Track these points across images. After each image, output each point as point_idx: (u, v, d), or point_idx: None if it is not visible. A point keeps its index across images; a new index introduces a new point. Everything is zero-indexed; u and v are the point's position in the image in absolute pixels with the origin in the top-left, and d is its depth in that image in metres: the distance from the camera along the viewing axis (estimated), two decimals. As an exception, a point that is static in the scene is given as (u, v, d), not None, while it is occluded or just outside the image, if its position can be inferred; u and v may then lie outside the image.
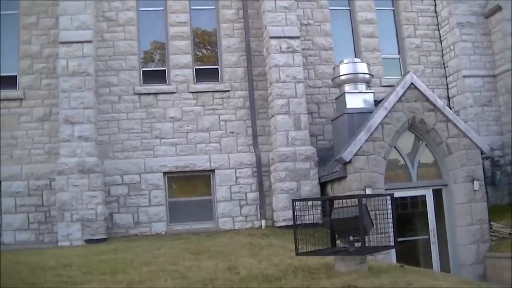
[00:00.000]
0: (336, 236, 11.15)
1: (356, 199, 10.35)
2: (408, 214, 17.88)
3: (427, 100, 17.40)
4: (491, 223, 17.37)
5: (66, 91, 18.01)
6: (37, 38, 19.39)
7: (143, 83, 19.53)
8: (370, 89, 19.10)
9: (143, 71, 19.74)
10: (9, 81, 19.19)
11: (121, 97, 19.14)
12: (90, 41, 18.43)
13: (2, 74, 19.24)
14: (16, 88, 19.13)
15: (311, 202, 11.51)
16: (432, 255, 17.30)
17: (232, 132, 19.36)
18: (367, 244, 10.36)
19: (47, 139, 18.78)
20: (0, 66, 19.26)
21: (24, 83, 19.08)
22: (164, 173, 18.80)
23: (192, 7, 20.24)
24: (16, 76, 19.25)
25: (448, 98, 21.24)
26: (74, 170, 17.52)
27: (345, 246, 10.60)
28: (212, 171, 19.02)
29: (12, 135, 18.70)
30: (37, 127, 18.85)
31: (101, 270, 11.93)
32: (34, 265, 13.00)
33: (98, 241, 17.16)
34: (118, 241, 17.09)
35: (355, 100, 18.38)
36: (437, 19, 21.88)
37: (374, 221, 10.82)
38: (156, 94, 19.30)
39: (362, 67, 18.90)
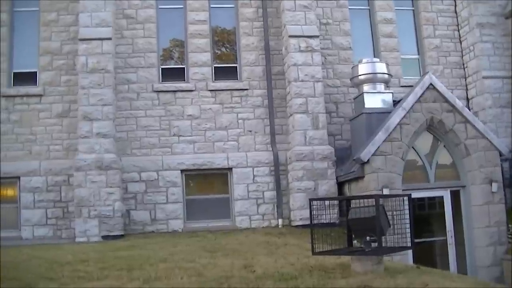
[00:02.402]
0: (353, 236, 11.10)
1: (374, 199, 10.32)
2: (425, 215, 17.84)
3: (446, 100, 17.31)
4: (509, 225, 17.26)
5: (85, 88, 18.13)
6: (57, 35, 19.52)
7: (162, 81, 19.59)
8: (389, 89, 19.05)
9: (162, 68, 19.79)
10: (29, 78, 19.37)
11: (140, 94, 19.21)
12: (109, 38, 18.53)
13: (22, 71, 19.44)
14: (36, 84, 19.28)
15: (328, 201, 11.49)
16: (449, 256, 17.20)
17: (250, 131, 19.37)
18: (383, 245, 10.33)
19: (66, 135, 18.90)
20: (13, 63, 19.49)
21: (44, 80, 19.22)
22: (182, 171, 18.84)
23: (211, 6, 20.27)
24: (36, 72, 19.41)
25: (467, 99, 21.11)
26: (92, 166, 17.62)
27: (362, 246, 10.55)
28: (230, 169, 19.03)
29: (32, 131, 18.84)
30: (56, 123, 18.98)
31: (118, 266, 11.98)
32: (51, 260, 13.07)
33: (115, 237, 17.26)
34: (135, 238, 17.16)
35: (374, 100, 18.33)
36: (457, 19, 21.72)
37: (391, 222, 10.78)
38: (174, 91, 19.35)
39: (381, 67, 18.84)
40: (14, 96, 19.00)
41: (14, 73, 19.44)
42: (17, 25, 19.78)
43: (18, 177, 18.51)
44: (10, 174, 18.47)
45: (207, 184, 19.39)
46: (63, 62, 19.33)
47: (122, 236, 17.51)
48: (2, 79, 19.09)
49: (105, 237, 17.24)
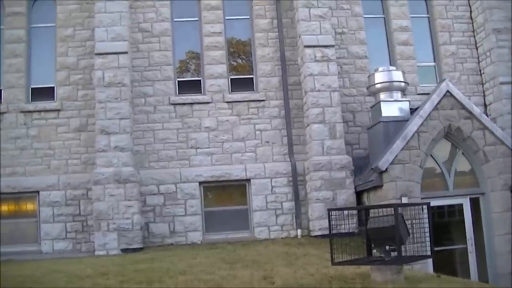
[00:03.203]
0: (372, 245, 11.09)
1: (392, 208, 10.28)
2: (445, 223, 17.69)
3: (463, 107, 17.23)
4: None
5: (102, 102, 18.22)
6: (73, 50, 19.66)
7: (179, 93, 19.66)
8: (406, 97, 18.98)
9: (178, 81, 19.86)
10: (47, 93, 19.52)
11: (157, 107, 19.27)
12: (125, 52, 18.63)
13: (40, 86, 19.62)
14: (54, 99, 19.40)
15: (347, 211, 11.47)
16: (470, 264, 17.05)
17: (268, 142, 19.36)
18: (403, 254, 10.29)
19: (84, 149, 18.99)
20: (31, 78, 19.69)
21: (61, 94, 19.35)
22: (200, 183, 18.85)
23: (226, 17, 20.34)
24: (53, 87, 19.55)
25: (485, 105, 20.97)
26: (110, 180, 17.68)
27: (381, 255, 10.53)
28: (248, 180, 19.04)
29: (50, 146, 18.96)
30: (74, 138, 19.07)
31: (137, 279, 12.02)
32: (71, 274, 13.14)
33: (134, 250, 17.29)
34: (154, 251, 17.17)
35: (391, 109, 18.26)
36: (473, 25, 21.59)
37: (410, 230, 10.75)
38: (191, 104, 19.40)
39: (397, 75, 18.76)
40: (32, 112, 19.14)
41: (32, 88, 19.60)
42: (34, 41, 19.96)
43: (37, 192, 18.64)
44: (29, 189, 18.62)
45: (226, 196, 19.39)
46: (80, 76, 19.45)
47: (141, 249, 17.52)
48: (20, 95, 19.23)
49: (124, 250, 17.26)
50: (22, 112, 19.12)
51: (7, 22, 19.74)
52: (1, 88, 19.39)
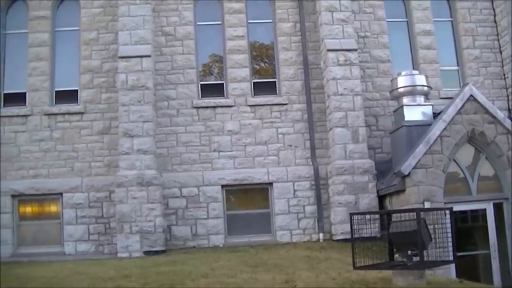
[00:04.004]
0: (394, 250, 11.07)
1: (415, 213, 10.25)
2: (467, 228, 17.59)
3: (487, 112, 17.13)
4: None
5: (126, 105, 18.33)
6: (97, 53, 19.79)
7: (202, 97, 19.73)
8: (429, 102, 18.84)
9: (201, 84, 19.93)
10: (71, 96, 19.68)
11: (180, 111, 19.34)
12: (149, 56, 18.72)
13: (64, 89, 19.78)
14: (77, 102, 19.55)
15: (369, 215, 11.46)
16: (493, 270, 16.90)
17: (290, 145, 19.35)
18: (425, 259, 10.29)
19: (107, 152, 19.10)
20: (55, 81, 19.87)
21: (85, 97, 19.48)
22: (222, 186, 18.89)
23: (249, 21, 20.38)
24: (77, 90, 19.71)
25: (509, 110, 20.80)
26: (133, 182, 17.77)
27: (403, 260, 10.52)
28: (270, 184, 19.03)
29: (73, 148, 19.12)
30: (97, 140, 19.20)
31: (160, 281, 12.07)
32: (94, 276, 13.23)
33: (156, 253, 17.35)
34: (176, 253, 17.22)
35: (414, 113, 18.18)
36: (497, 29, 21.43)
37: (432, 235, 10.72)
38: (214, 107, 19.45)
39: (420, 79, 18.68)
40: (56, 114, 19.30)
41: (55, 91, 19.77)
42: (58, 45, 20.14)
43: (61, 194, 18.81)
44: (53, 191, 18.81)
45: (248, 199, 19.41)
46: (104, 80, 19.58)
47: (163, 251, 17.59)
48: (45, 98, 19.40)
49: (147, 253, 17.34)
50: (46, 114, 19.29)
51: (32, 26, 19.94)
52: (26, 91, 19.58)
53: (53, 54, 19.95)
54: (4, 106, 19.50)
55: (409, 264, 10.29)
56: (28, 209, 19.08)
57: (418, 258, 10.10)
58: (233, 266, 14.08)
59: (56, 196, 18.89)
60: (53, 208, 19.09)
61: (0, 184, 18.58)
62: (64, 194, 18.74)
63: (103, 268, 14.60)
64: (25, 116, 19.23)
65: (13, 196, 18.74)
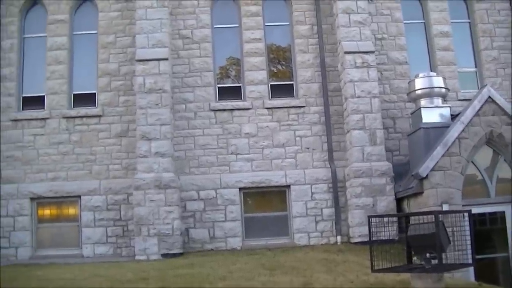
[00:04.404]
0: (413, 252, 11.05)
1: (433, 216, 10.23)
2: (486, 231, 17.46)
3: (505, 113, 17.00)
4: None
5: (143, 108, 18.39)
6: (115, 57, 19.91)
7: (219, 99, 19.76)
8: (446, 103, 18.75)
9: (218, 87, 19.96)
10: (89, 99, 19.79)
11: (197, 114, 19.38)
12: (166, 59, 18.79)
13: (82, 92, 19.92)
14: (95, 105, 19.65)
15: (387, 218, 11.44)
16: (512, 273, 16.88)
17: (308, 148, 19.32)
18: (444, 262, 10.25)
19: (125, 155, 19.20)
20: (73, 85, 20.06)
21: (103, 100, 19.59)
22: (240, 189, 18.90)
23: (266, 24, 20.40)
24: (95, 93, 19.81)
25: (528, 112, 20.72)
26: (151, 185, 17.81)
27: (422, 263, 10.50)
28: (288, 186, 19.01)
29: (91, 151, 19.23)
30: (115, 143, 19.30)
31: (177, 284, 12.13)
32: (112, 278, 13.30)
33: (174, 255, 17.38)
34: (194, 256, 17.24)
35: (431, 115, 18.08)
36: (515, 30, 21.39)
37: (451, 238, 10.68)
38: (231, 110, 19.47)
39: (438, 81, 18.58)
40: (74, 117, 19.42)
41: (74, 94, 19.91)
42: (76, 48, 20.28)
43: (79, 196, 18.94)
44: (71, 193, 18.96)
45: (265, 202, 19.40)
46: (121, 83, 19.67)
47: (181, 254, 17.62)
48: (63, 101, 19.54)
49: (165, 255, 17.37)
50: (64, 117, 19.42)
51: (50, 29, 20.09)
52: (44, 94, 19.72)
53: (71, 57, 20.09)
54: (23, 109, 19.72)
55: (428, 267, 10.27)
56: (47, 212, 19.22)
57: (436, 261, 10.07)
58: (251, 268, 14.10)
59: (74, 198, 19.02)
60: (71, 210, 19.22)
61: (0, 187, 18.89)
62: (82, 197, 18.86)
63: (121, 270, 14.67)
64: (44, 119, 19.38)
65: (32, 198, 18.91)
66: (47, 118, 19.38)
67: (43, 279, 13.75)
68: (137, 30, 19.19)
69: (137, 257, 17.48)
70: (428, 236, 10.14)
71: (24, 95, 19.88)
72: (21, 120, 19.40)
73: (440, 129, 17.44)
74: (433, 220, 10.09)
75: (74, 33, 20.34)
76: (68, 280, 13.42)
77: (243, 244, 18.59)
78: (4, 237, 18.59)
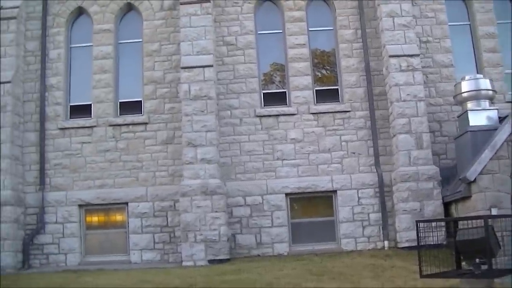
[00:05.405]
0: (461, 258, 10.92)
1: (482, 220, 10.10)
2: (537, 235, 17.22)
3: (555, 115, 16.78)
4: None
5: (189, 115, 18.52)
6: (159, 64, 20.09)
7: (264, 105, 19.81)
8: (494, 106, 18.48)
9: (263, 93, 20.01)
10: (135, 106, 20.02)
11: (243, 120, 19.46)
12: (211, 66, 18.91)
13: (128, 100, 20.18)
14: (141, 113, 19.85)
15: (434, 222, 11.34)
16: None
17: (354, 153, 19.24)
18: (494, 267, 10.10)
19: (171, 162, 19.34)
20: (119, 93, 20.38)
21: (149, 108, 19.78)
22: (286, 194, 18.91)
23: (310, 29, 20.38)
24: (140, 101, 20.01)
25: None
26: (197, 191, 17.91)
27: (471, 268, 10.37)
28: (334, 191, 18.97)
29: (138, 158, 19.44)
30: (161, 150, 19.46)
31: (224, 290, 12.17)
32: (159, 284, 13.45)
33: (221, 261, 17.43)
34: (241, 262, 17.28)
35: (478, 118, 17.85)
36: None
37: (501, 243, 10.54)
38: (277, 116, 19.49)
39: (485, 83, 18.33)
40: (120, 125, 19.67)
41: (120, 102, 20.17)
42: (121, 57, 20.57)
43: (126, 203, 19.18)
44: (118, 200, 19.23)
45: (312, 207, 19.37)
46: (166, 90, 19.84)
47: (228, 260, 17.66)
48: (109, 109, 19.79)
49: (211, 261, 17.44)
50: (111, 125, 19.68)
51: (96, 39, 20.41)
52: (91, 102, 20.02)
53: (116, 66, 20.38)
54: (70, 118, 20.05)
55: (477, 273, 10.14)
56: (95, 218, 19.51)
57: (486, 267, 9.93)
58: (298, 274, 14.11)
59: (121, 205, 19.27)
60: (118, 217, 19.49)
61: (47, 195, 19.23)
62: (129, 204, 19.09)
63: (168, 276, 14.79)
64: (91, 127, 19.69)
65: (80, 205, 19.26)
66: (94, 126, 19.66)
67: (91, 285, 13.93)
68: (181, 38, 19.36)
69: (184, 263, 17.59)
70: (477, 241, 10.02)
71: (71, 104, 20.24)
72: (68, 128, 19.73)
73: (488, 132, 17.19)
74: (483, 224, 9.95)
75: (119, 42, 20.64)
76: (116, 286, 13.56)
77: (290, 250, 18.58)
78: (54, 243, 18.93)
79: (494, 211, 15.72)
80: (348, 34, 20.15)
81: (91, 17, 20.60)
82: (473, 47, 20.93)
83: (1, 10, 19.91)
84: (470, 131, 17.63)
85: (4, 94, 19.16)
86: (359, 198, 18.82)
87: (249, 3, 20.37)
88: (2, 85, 19.22)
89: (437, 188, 18.09)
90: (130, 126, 19.66)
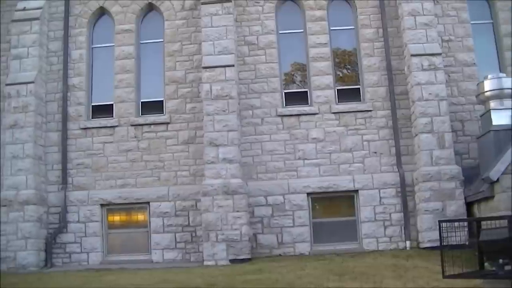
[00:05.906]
0: (484, 258, 10.84)
1: (506, 220, 10.03)
2: (561, 236, 17.06)
3: None
4: None
5: (210, 115, 18.55)
6: (181, 64, 20.14)
7: (285, 105, 19.78)
8: (517, 105, 18.42)
9: (285, 93, 19.99)
10: (156, 106, 20.11)
11: (264, 119, 19.46)
12: (232, 65, 18.93)
13: (149, 100, 20.30)
14: (163, 113, 19.94)
15: (457, 223, 11.27)
16: None
17: (375, 152, 19.16)
18: (517, 268, 10.02)
19: (192, 161, 19.39)
20: (140, 93, 20.48)
21: (170, 108, 19.84)
22: (308, 194, 18.89)
23: (331, 28, 20.31)
24: (162, 101, 20.11)
25: None
26: (219, 191, 17.94)
27: (494, 269, 10.29)
28: (356, 191, 18.91)
29: (159, 158, 19.53)
30: (183, 150, 19.52)
31: (245, 289, 12.18)
32: (181, 284, 13.49)
33: (242, 261, 17.44)
34: (262, 261, 17.25)
35: (501, 117, 17.67)
36: None
37: (525, 244, 10.46)
38: (298, 115, 19.46)
39: (508, 82, 18.11)
40: (142, 125, 19.76)
41: (141, 102, 20.25)
42: (143, 57, 20.67)
43: (148, 203, 19.28)
44: (140, 200, 19.34)
45: (333, 207, 19.35)
46: (188, 90, 19.89)
47: (249, 259, 17.67)
48: (131, 109, 19.90)
49: (233, 261, 17.45)
50: (132, 125, 19.78)
51: (118, 39, 20.53)
52: (113, 102, 20.13)
53: (138, 66, 20.46)
54: (92, 118, 20.18)
55: (501, 273, 10.05)
56: (117, 218, 19.64)
57: (510, 267, 9.85)
58: (320, 274, 14.09)
59: (143, 205, 19.36)
60: (140, 216, 19.58)
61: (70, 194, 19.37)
62: (151, 203, 19.18)
63: (189, 276, 14.83)
64: (113, 127, 19.82)
65: (102, 205, 19.40)
66: (116, 126, 19.79)
67: (113, 284, 14.00)
68: (202, 38, 19.40)
69: (205, 263, 17.64)
70: (501, 242, 9.93)
71: (93, 104, 20.39)
72: (90, 128, 19.89)
73: (511, 131, 17.10)
74: (506, 225, 9.88)
75: (141, 42, 20.74)
76: (138, 285, 13.65)
77: (311, 249, 18.55)
78: (76, 242, 19.10)
79: (517, 211, 15.62)
80: (370, 33, 20.07)
81: (112, 18, 20.73)
82: (496, 46, 20.72)
83: (25, 11, 20.09)
84: (493, 130, 17.47)
85: (27, 94, 19.35)
86: (380, 198, 18.72)
87: (270, 2, 20.36)
88: (25, 85, 19.44)
89: (459, 188, 17.96)
90: (152, 126, 19.74)
